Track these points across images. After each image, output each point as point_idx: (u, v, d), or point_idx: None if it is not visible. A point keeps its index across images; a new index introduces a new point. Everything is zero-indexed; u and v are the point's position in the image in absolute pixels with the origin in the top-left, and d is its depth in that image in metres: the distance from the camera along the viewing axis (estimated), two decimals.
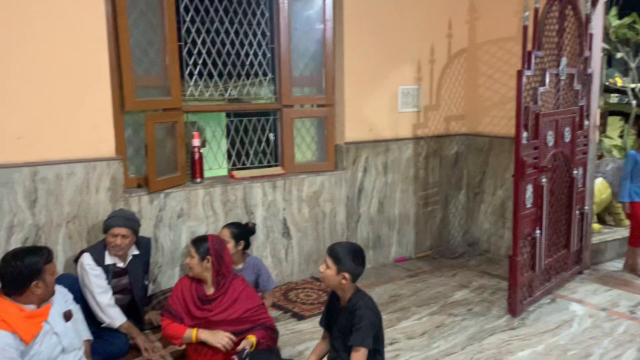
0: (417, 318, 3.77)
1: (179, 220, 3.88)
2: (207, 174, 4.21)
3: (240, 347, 2.69)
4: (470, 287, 4.34)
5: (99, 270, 3.18)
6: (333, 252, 2.53)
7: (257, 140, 4.50)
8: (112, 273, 3.24)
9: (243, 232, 3.55)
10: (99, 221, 3.54)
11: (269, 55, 4.40)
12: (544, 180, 3.85)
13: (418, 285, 4.37)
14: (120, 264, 3.29)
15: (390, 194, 4.85)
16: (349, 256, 2.52)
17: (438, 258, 5.05)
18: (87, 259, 3.18)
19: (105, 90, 3.52)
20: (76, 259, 3.28)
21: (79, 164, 3.48)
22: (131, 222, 3.28)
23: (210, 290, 2.87)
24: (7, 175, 3.27)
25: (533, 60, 3.65)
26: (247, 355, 2.64)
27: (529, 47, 3.64)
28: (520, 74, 3.57)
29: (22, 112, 3.27)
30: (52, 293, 2.49)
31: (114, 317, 3.17)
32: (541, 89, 3.78)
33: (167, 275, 3.88)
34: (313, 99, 4.62)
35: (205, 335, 2.73)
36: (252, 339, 2.75)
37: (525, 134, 3.65)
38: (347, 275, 2.50)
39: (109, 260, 3.24)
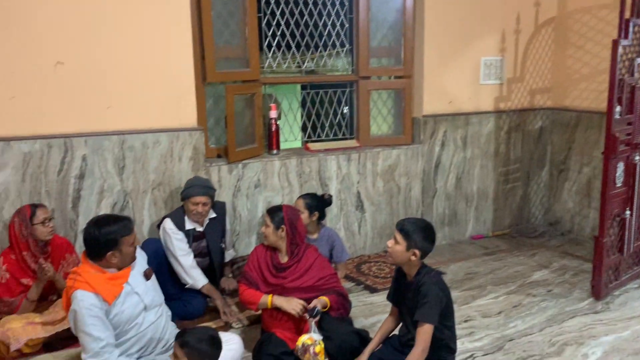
0: (493, 297, 3.67)
1: (255, 190, 3.97)
2: (282, 145, 4.27)
3: (311, 304, 2.73)
4: (551, 267, 4.17)
5: (181, 235, 3.32)
6: (403, 227, 2.49)
7: (332, 113, 4.49)
8: (192, 237, 3.38)
9: (318, 203, 3.57)
10: (182, 189, 3.68)
11: (347, 25, 4.35)
12: (637, 158, 3.59)
13: (495, 264, 4.25)
14: (199, 228, 3.42)
15: (468, 169, 4.72)
16: (419, 233, 2.47)
17: (517, 237, 4.88)
18: (169, 223, 3.32)
19: (188, 62, 3.61)
20: (158, 225, 3.44)
21: (164, 133, 3.62)
22: (209, 189, 3.40)
23: (284, 259, 2.93)
24: (98, 142, 3.45)
25: (631, 29, 3.38)
26: (318, 313, 2.68)
27: (627, 14, 3.37)
28: (615, 43, 3.32)
29: (112, 82, 3.43)
30: (131, 261, 2.56)
31: (197, 278, 3.31)
32: (639, 60, 3.50)
33: (244, 243, 3.99)
34: (391, 70, 4.54)
35: (280, 301, 2.80)
36: (324, 299, 2.79)
37: (618, 109, 3.41)
38: (417, 251, 2.46)
39: (189, 225, 3.38)
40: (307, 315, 2.70)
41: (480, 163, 4.76)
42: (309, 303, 2.76)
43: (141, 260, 2.69)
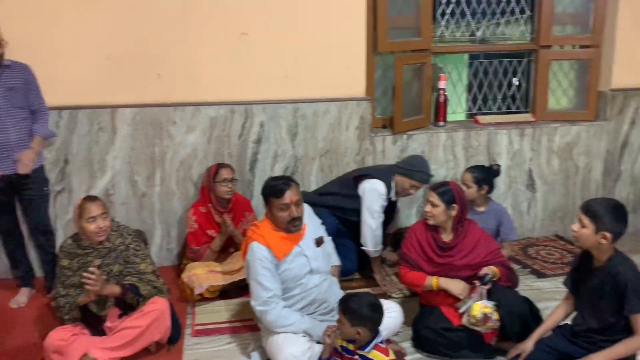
0: None
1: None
2: (449, 117, 4.14)
3: (482, 271, 2.65)
4: None
5: (386, 202, 3.33)
6: (590, 209, 2.29)
7: (507, 84, 4.24)
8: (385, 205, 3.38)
9: (486, 175, 3.40)
10: (347, 157, 3.78)
11: None
12: None
13: None
14: (393, 199, 3.43)
15: None
16: (609, 214, 2.26)
17: None
18: (382, 187, 3.30)
19: (361, 32, 3.65)
20: (355, 177, 3.40)
21: (333, 102, 3.71)
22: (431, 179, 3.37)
23: (448, 237, 2.82)
24: (274, 110, 3.66)
25: None
26: (490, 280, 2.60)
27: None
28: None
29: (288, 52, 3.59)
30: (283, 223, 2.61)
31: (377, 246, 3.35)
32: None
33: (404, 215, 3.98)
34: (576, 39, 4.13)
35: (446, 283, 2.73)
36: (494, 268, 2.69)
37: None
38: (607, 234, 2.25)
39: (392, 193, 3.38)
40: (477, 282, 2.63)
41: None
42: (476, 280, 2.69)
43: (316, 227, 2.80)
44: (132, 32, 3.40)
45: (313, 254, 2.69)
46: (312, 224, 2.79)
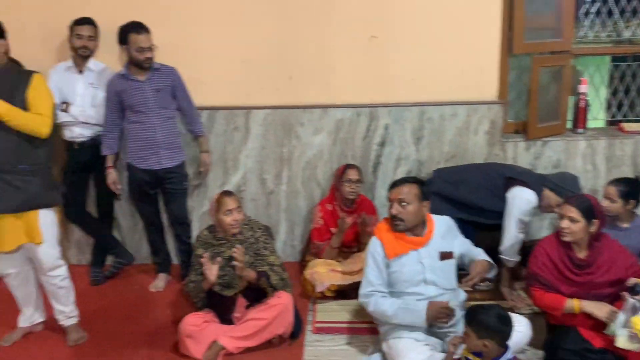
0: None
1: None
2: (588, 124, 3.84)
3: (630, 282, 2.43)
4: None
5: (529, 215, 3.16)
6: None
7: None
8: None
9: (633, 189, 3.09)
10: (474, 162, 3.63)
11: None
12: None
13: None
14: None
15: None
16: None
17: None
18: (535, 201, 3.10)
19: (495, 34, 3.52)
20: (508, 177, 3.20)
21: (462, 106, 3.61)
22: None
23: (583, 254, 2.58)
24: (399, 113, 3.63)
25: None
26: None
27: None
28: None
29: (417, 55, 3.55)
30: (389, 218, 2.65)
31: (515, 257, 3.19)
32: None
33: (536, 227, 3.75)
34: None
35: (590, 307, 2.51)
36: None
37: None
38: None
39: None
40: (626, 295, 2.40)
41: None
42: (616, 298, 2.47)
43: (449, 241, 2.70)
44: (268, 36, 3.56)
45: (431, 265, 2.61)
46: (447, 236, 2.70)
